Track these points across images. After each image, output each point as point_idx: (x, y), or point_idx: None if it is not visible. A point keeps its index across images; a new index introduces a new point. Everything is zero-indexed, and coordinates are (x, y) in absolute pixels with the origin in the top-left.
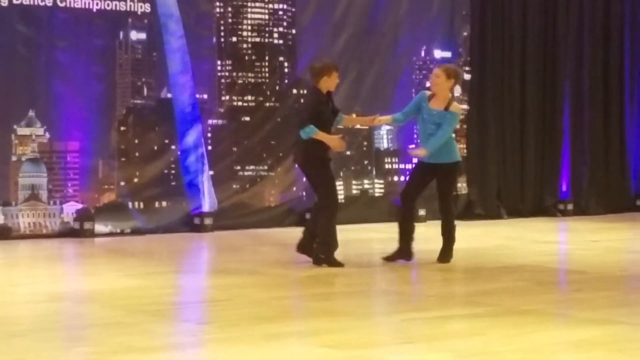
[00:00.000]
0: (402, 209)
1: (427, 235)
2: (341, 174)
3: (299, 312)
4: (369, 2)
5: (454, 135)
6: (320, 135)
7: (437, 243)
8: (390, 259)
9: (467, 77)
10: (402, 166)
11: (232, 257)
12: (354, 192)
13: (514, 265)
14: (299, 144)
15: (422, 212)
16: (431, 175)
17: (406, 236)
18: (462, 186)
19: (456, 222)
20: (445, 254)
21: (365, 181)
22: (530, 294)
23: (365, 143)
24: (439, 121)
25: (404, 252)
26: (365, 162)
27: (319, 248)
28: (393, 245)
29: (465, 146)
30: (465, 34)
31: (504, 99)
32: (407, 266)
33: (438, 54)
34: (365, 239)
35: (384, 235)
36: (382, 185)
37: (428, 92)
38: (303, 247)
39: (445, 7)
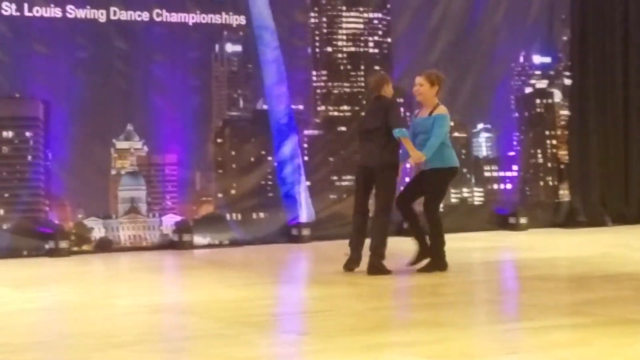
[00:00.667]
0: (402, 215)
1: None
2: None
3: (399, 323)
4: (466, 9)
5: (449, 143)
6: (407, 142)
7: (524, 253)
8: (416, 264)
9: (567, 82)
10: (502, 174)
11: (331, 267)
12: (453, 200)
13: (620, 273)
14: (373, 148)
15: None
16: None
17: (419, 238)
18: (564, 193)
19: (556, 230)
20: (435, 262)
21: (465, 189)
22: (637, 303)
23: (463, 151)
24: (425, 129)
25: (425, 255)
26: (464, 170)
27: (374, 256)
28: (493, 254)
29: (567, 152)
30: (564, 38)
31: (605, 103)
32: (508, 276)
33: (537, 59)
34: (465, 248)
35: (484, 244)
36: (482, 194)
37: (417, 110)
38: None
39: (544, 11)
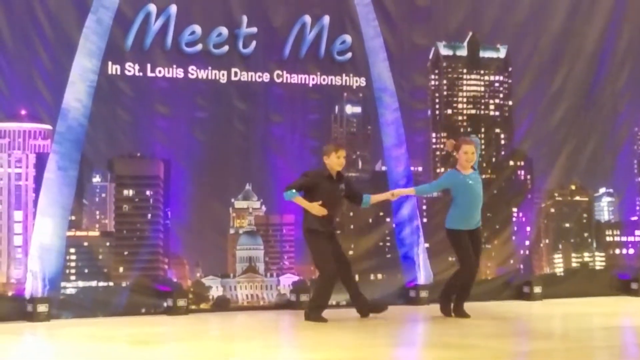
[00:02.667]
0: None
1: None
2: (560, 246)
3: None
4: (588, 72)
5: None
6: (299, 200)
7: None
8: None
9: None
10: (624, 239)
11: (450, 330)
12: (574, 264)
13: None
14: None
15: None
16: None
17: None
18: None
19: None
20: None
21: (586, 254)
22: None
23: (585, 215)
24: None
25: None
26: (585, 234)
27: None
28: (614, 320)
29: None
30: None
31: None
32: (629, 342)
33: None
34: (586, 313)
35: (605, 310)
36: (603, 258)
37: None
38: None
39: None
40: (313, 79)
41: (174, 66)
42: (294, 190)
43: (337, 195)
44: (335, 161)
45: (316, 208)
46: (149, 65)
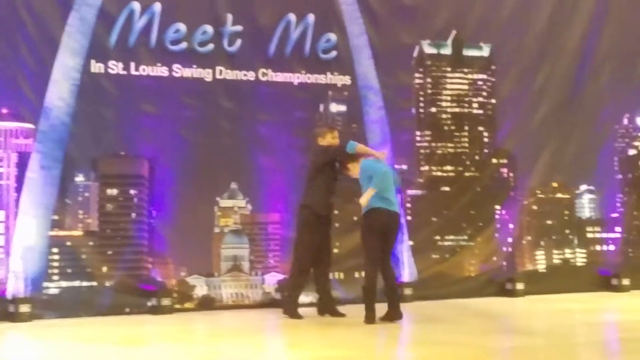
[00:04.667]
0: None
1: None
2: (542, 243)
3: None
4: (571, 73)
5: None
6: (361, 148)
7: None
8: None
9: None
10: (605, 235)
11: (434, 327)
12: (556, 261)
13: None
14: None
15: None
16: None
17: None
18: None
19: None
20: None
21: (567, 250)
22: None
23: (566, 212)
24: None
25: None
26: (567, 231)
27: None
28: (596, 316)
29: None
30: None
31: None
32: (611, 338)
33: None
34: (567, 310)
35: (586, 306)
36: (585, 255)
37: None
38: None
39: None
40: (298, 77)
41: (159, 64)
42: (354, 143)
43: (336, 176)
44: (331, 142)
45: (378, 152)
46: (133, 64)
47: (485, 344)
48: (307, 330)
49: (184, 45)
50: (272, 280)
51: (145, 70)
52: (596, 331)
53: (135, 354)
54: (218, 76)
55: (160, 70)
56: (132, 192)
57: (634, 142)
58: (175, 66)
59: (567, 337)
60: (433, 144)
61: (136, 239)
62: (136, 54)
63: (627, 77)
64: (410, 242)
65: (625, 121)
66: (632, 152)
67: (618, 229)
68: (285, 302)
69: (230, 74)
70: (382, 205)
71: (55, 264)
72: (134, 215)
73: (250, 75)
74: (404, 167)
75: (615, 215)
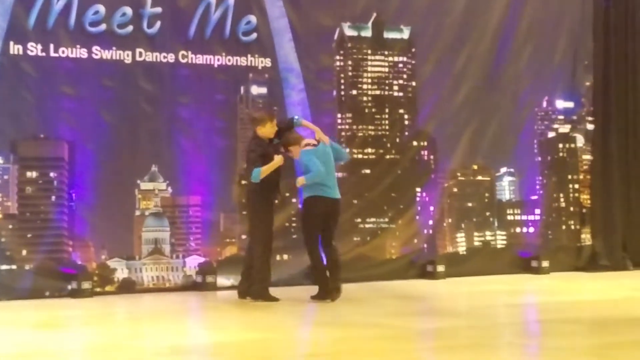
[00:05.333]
0: None
1: (552, 288)
2: (463, 225)
3: None
4: (490, 54)
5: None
6: (266, 169)
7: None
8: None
9: (590, 127)
10: (525, 217)
11: (355, 309)
12: (476, 243)
13: None
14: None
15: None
16: None
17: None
18: (586, 237)
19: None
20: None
21: (488, 233)
22: None
23: (487, 194)
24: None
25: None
26: (487, 213)
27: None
28: (516, 297)
29: (589, 197)
30: (587, 84)
31: (627, 148)
32: (531, 319)
33: (560, 104)
34: (487, 291)
35: (506, 287)
36: (505, 237)
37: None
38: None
39: (567, 57)
40: (218, 59)
41: (78, 46)
42: (258, 169)
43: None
44: (270, 130)
45: (277, 159)
46: (52, 46)
47: (406, 326)
48: (227, 313)
49: (103, 27)
50: (193, 263)
51: (65, 52)
52: (516, 312)
53: (54, 338)
54: (138, 58)
55: (80, 52)
56: (52, 174)
57: (553, 124)
58: (95, 48)
59: (487, 318)
60: (354, 127)
61: (56, 222)
62: (55, 35)
63: (547, 60)
64: None
65: (545, 104)
66: (551, 134)
67: (538, 211)
68: (258, 288)
69: (150, 56)
70: (322, 194)
71: None
72: (53, 198)
73: (170, 58)
74: None
75: (534, 197)
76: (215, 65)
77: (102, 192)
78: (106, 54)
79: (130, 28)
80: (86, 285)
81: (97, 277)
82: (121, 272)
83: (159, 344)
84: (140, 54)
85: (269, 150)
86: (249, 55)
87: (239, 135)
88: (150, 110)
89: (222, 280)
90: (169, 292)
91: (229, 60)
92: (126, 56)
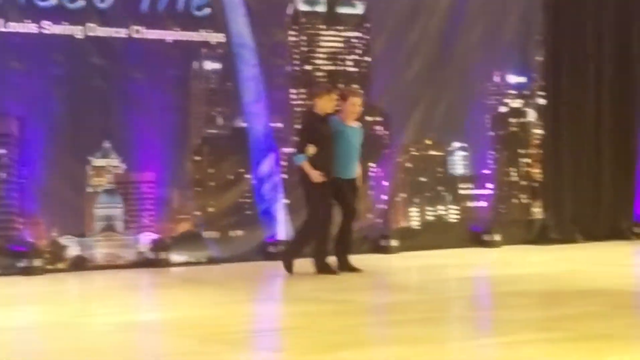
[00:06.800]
0: None
1: (503, 261)
2: (416, 200)
3: (374, 340)
4: (442, 28)
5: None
6: (305, 166)
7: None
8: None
9: (541, 102)
10: (477, 192)
11: (307, 284)
12: (429, 218)
13: (590, 289)
14: None
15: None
16: None
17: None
18: (537, 211)
19: (529, 246)
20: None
21: (440, 207)
22: (607, 318)
23: (439, 169)
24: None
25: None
26: (440, 188)
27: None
28: (467, 271)
29: (540, 171)
30: (539, 58)
31: (578, 123)
32: (482, 292)
33: (512, 79)
34: (440, 265)
35: (458, 261)
36: (457, 211)
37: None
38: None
39: (519, 32)
40: (171, 34)
41: (28, 21)
42: (300, 156)
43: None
44: (328, 105)
45: (316, 175)
46: (1, 20)
47: (358, 300)
48: (179, 290)
49: (53, 1)
50: (146, 240)
51: (14, 27)
52: (467, 286)
53: (4, 316)
54: (89, 33)
55: (30, 27)
56: (1, 151)
57: (504, 99)
58: (45, 23)
59: (440, 292)
60: (308, 102)
61: (6, 199)
62: (4, 10)
63: (498, 35)
64: (286, 201)
65: (497, 79)
66: (503, 109)
67: (490, 185)
68: (315, 259)
69: (101, 31)
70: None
71: None
72: (3, 175)
73: (122, 32)
74: (279, 124)
75: (487, 172)
76: (168, 40)
77: (53, 169)
78: (56, 29)
79: (81, 2)
80: (37, 262)
81: (48, 255)
82: (73, 250)
83: (107, 320)
84: (92, 29)
85: (318, 127)
86: (202, 30)
87: (192, 111)
88: (102, 85)
89: (175, 257)
90: (121, 269)
91: (182, 35)
92: (77, 31)
